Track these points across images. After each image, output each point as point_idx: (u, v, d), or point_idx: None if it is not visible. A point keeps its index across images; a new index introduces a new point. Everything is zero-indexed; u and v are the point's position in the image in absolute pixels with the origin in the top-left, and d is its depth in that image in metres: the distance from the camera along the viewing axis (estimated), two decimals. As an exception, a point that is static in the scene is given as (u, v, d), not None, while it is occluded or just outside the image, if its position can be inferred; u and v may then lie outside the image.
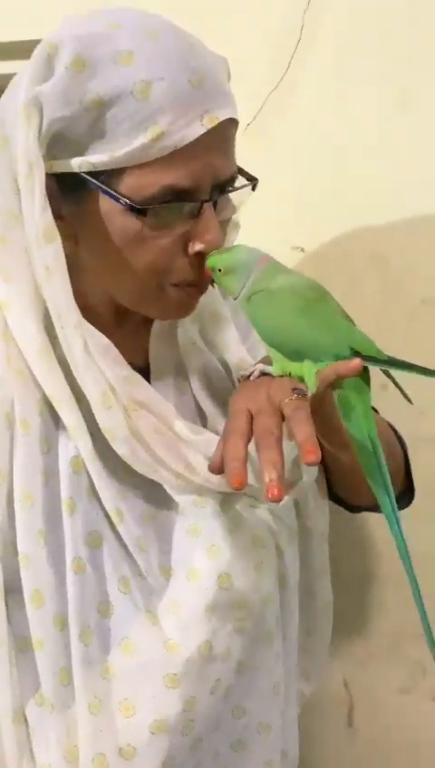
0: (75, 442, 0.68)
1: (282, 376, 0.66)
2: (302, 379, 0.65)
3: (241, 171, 0.71)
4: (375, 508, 0.83)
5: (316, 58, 0.98)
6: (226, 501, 0.74)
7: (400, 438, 0.87)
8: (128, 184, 0.64)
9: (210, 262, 0.68)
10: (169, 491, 0.73)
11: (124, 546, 0.70)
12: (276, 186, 1.02)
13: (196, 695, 0.70)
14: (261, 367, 0.68)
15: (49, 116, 0.63)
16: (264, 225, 1.04)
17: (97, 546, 0.69)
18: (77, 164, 0.64)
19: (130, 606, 0.69)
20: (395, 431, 0.87)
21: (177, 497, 0.73)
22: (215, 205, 0.67)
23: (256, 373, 0.68)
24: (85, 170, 0.64)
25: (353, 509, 0.88)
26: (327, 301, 0.68)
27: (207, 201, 0.66)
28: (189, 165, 0.64)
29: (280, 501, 0.55)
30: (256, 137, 1.00)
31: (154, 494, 0.73)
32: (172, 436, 0.71)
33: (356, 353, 0.64)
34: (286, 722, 0.81)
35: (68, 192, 0.66)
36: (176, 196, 0.65)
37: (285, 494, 0.56)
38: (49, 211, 0.64)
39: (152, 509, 0.73)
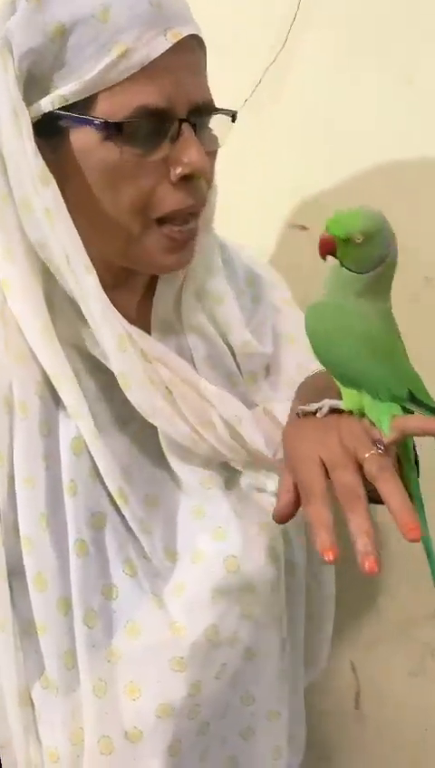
0: (76, 421, 0.67)
1: (351, 412, 0.63)
2: (368, 420, 0.61)
3: (218, 109, 0.70)
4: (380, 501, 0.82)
5: (314, 31, 0.96)
6: (232, 483, 0.74)
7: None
8: (100, 111, 0.64)
9: (339, 226, 0.60)
10: (173, 463, 0.72)
11: (128, 528, 0.69)
12: (275, 162, 1.01)
13: (201, 679, 0.70)
14: (330, 402, 0.64)
15: (18, 53, 0.63)
16: (262, 202, 1.03)
17: (100, 528, 0.69)
18: (49, 102, 0.64)
19: (135, 588, 0.69)
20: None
21: (182, 475, 0.72)
22: (195, 129, 0.66)
23: (325, 410, 0.64)
24: (58, 105, 0.64)
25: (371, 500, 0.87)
26: (394, 331, 0.64)
27: (184, 121, 0.65)
28: (159, 82, 0.64)
29: (377, 573, 0.53)
30: (254, 112, 0.99)
31: (158, 475, 0.73)
32: (188, 389, 0.71)
33: (411, 395, 0.61)
34: (294, 708, 0.81)
35: (45, 140, 0.65)
36: (151, 116, 0.64)
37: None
38: (40, 155, 0.64)
39: (156, 490, 0.72)
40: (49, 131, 0.65)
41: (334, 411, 0.64)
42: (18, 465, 0.66)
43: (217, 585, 0.70)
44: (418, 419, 0.59)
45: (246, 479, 0.75)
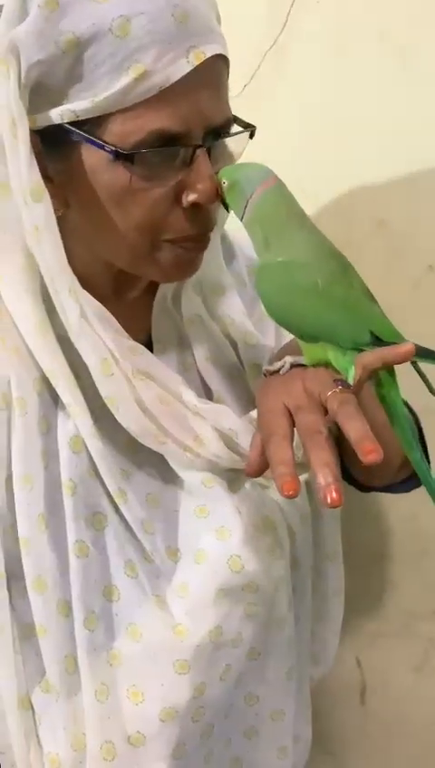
0: (74, 419, 0.66)
1: (315, 366, 0.62)
2: (335, 369, 0.60)
3: (237, 120, 0.67)
4: (387, 488, 0.80)
5: (314, 15, 0.94)
6: (235, 481, 0.72)
7: (412, 412, 0.84)
8: (113, 131, 0.60)
9: (220, 173, 0.64)
10: (174, 467, 0.70)
11: (129, 528, 0.68)
12: (275, 147, 0.99)
13: (206, 680, 0.68)
14: (290, 359, 0.64)
15: (26, 61, 0.59)
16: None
17: (100, 528, 0.67)
18: (58, 114, 0.60)
19: (136, 590, 0.68)
20: (408, 406, 0.84)
21: (183, 474, 0.70)
22: (209, 152, 0.63)
23: (287, 366, 0.64)
24: (67, 120, 0.60)
25: (365, 489, 0.85)
26: (347, 275, 0.62)
27: (199, 147, 0.62)
28: (177, 106, 0.60)
29: (340, 505, 0.51)
30: (254, 97, 0.97)
31: (159, 474, 0.71)
32: (179, 406, 0.69)
33: (376, 338, 0.59)
34: (299, 707, 0.80)
35: (53, 149, 0.63)
36: (165, 141, 0.60)
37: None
38: (36, 168, 0.61)
39: (157, 489, 0.71)
40: (58, 140, 0.62)
41: (297, 367, 0.64)
42: (16, 463, 0.65)
43: (220, 585, 0.68)
44: (377, 352, 0.57)
45: (249, 478, 0.73)
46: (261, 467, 0.60)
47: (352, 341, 0.60)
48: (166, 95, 0.59)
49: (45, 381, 0.66)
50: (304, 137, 0.98)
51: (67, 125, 0.61)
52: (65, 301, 0.64)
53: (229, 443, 0.69)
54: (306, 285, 0.61)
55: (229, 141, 0.67)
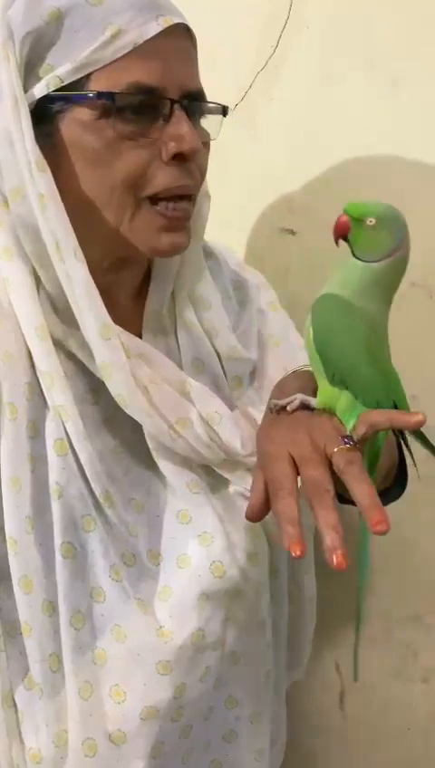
0: (65, 421, 0.67)
1: (323, 409, 0.63)
2: (336, 416, 0.61)
3: (209, 101, 0.72)
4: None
5: (304, 38, 0.96)
6: (218, 489, 0.74)
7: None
8: (94, 88, 0.66)
9: (355, 207, 0.61)
10: (160, 459, 0.72)
11: (114, 531, 0.69)
12: (264, 167, 1.01)
13: (186, 681, 0.70)
14: (301, 397, 0.64)
15: (18, 38, 0.65)
16: (251, 207, 1.03)
17: (86, 531, 0.68)
18: (45, 85, 0.66)
19: (120, 593, 0.69)
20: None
21: (169, 470, 0.72)
22: (187, 114, 0.68)
23: (296, 404, 0.64)
24: (54, 87, 0.66)
25: (345, 501, 0.87)
26: (386, 343, 0.64)
27: (176, 102, 0.67)
28: (151, 63, 0.66)
29: (346, 568, 0.52)
30: (244, 117, 0.99)
31: (145, 478, 0.73)
32: (168, 387, 0.71)
33: (394, 405, 0.61)
34: (276, 710, 0.82)
35: (40, 127, 0.66)
36: (142, 92, 0.66)
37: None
38: (35, 143, 0.65)
39: (143, 493, 0.72)
40: (42, 118, 0.66)
41: (305, 407, 0.64)
42: (5, 466, 0.66)
43: (203, 590, 0.70)
44: (384, 412, 0.59)
45: (232, 486, 0.75)
46: (263, 513, 0.60)
47: (376, 402, 0.61)
48: (140, 53, 0.65)
49: (34, 387, 0.68)
50: (292, 156, 0.99)
51: (53, 93, 0.65)
52: (71, 265, 0.66)
53: (210, 431, 0.71)
54: (362, 334, 0.62)
55: (204, 122, 0.72)
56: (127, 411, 0.69)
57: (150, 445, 0.72)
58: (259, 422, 0.74)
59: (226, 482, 0.75)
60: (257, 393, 0.81)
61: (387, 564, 1.03)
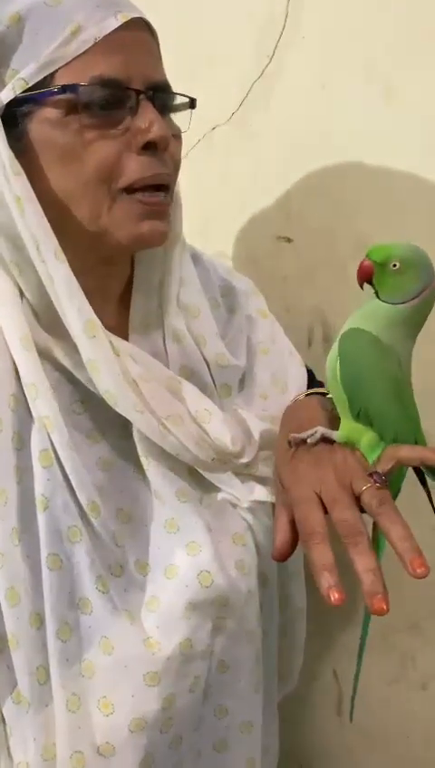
0: (50, 432, 0.67)
1: (345, 443, 0.62)
2: (358, 449, 0.61)
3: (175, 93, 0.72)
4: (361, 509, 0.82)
5: (301, 47, 0.96)
6: (206, 498, 0.74)
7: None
8: (59, 83, 0.67)
9: (378, 251, 0.61)
10: (150, 466, 0.72)
11: (101, 541, 0.69)
12: (261, 175, 1.01)
13: (175, 692, 0.70)
14: (322, 431, 0.63)
15: None
16: (247, 214, 1.03)
17: (72, 542, 0.68)
18: (11, 89, 0.66)
19: (107, 605, 0.69)
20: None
21: (158, 477, 0.72)
22: (154, 105, 0.68)
23: (317, 436, 0.63)
24: (20, 90, 0.66)
25: None
26: (410, 379, 0.64)
27: (141, 93, 0.68)
28: (113, 57, 0.67)
29: (387, 612, 0.52)
30: (241, 125, 0.99)
31: (133, 488, 0.73)
32: (156, 386, 0.71)
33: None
34: (267, 720, 0.81)
35: (10, 131, 0.67)
36: (107, 85, 0.67)
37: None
38: (8, 147, 0.66)
39: (130, 503, 0.72)
40: (11, 123, 0.67)
41: (325, 440, 0.64)
42: None
43: (190, 599, 0.70)
44: (415, 449, 0.60)
45: (221, 493, 0.75)
46: (289, 554, 0.60)
47: (396, 440, 0.61)
48: (102, 47, 0.67)
49: (20, 398, 0.68)
50: (289, 164, 0.99)
51: (20, 95, 0.66)
52: (52, 265, 0.67)
53: (200, 428, 0.71)
54: (392, 373, 0.61)
55: (174, 116, 0.72)
56: (117, 409, 0.69)
57: (139, 448, 0.72)
58: (248, 422, 0.75)
59: (214, 489, 0.75)
60: (246, 402, 0.81)
61: (385, 571, 1.02)
